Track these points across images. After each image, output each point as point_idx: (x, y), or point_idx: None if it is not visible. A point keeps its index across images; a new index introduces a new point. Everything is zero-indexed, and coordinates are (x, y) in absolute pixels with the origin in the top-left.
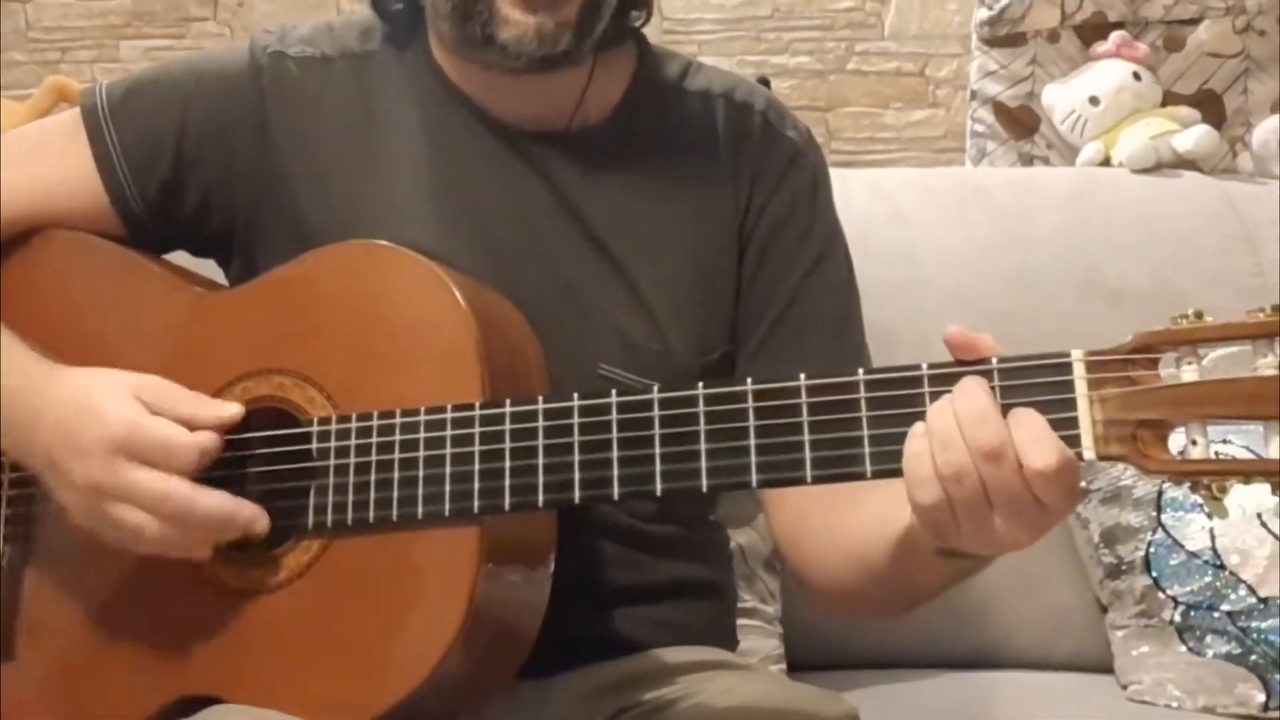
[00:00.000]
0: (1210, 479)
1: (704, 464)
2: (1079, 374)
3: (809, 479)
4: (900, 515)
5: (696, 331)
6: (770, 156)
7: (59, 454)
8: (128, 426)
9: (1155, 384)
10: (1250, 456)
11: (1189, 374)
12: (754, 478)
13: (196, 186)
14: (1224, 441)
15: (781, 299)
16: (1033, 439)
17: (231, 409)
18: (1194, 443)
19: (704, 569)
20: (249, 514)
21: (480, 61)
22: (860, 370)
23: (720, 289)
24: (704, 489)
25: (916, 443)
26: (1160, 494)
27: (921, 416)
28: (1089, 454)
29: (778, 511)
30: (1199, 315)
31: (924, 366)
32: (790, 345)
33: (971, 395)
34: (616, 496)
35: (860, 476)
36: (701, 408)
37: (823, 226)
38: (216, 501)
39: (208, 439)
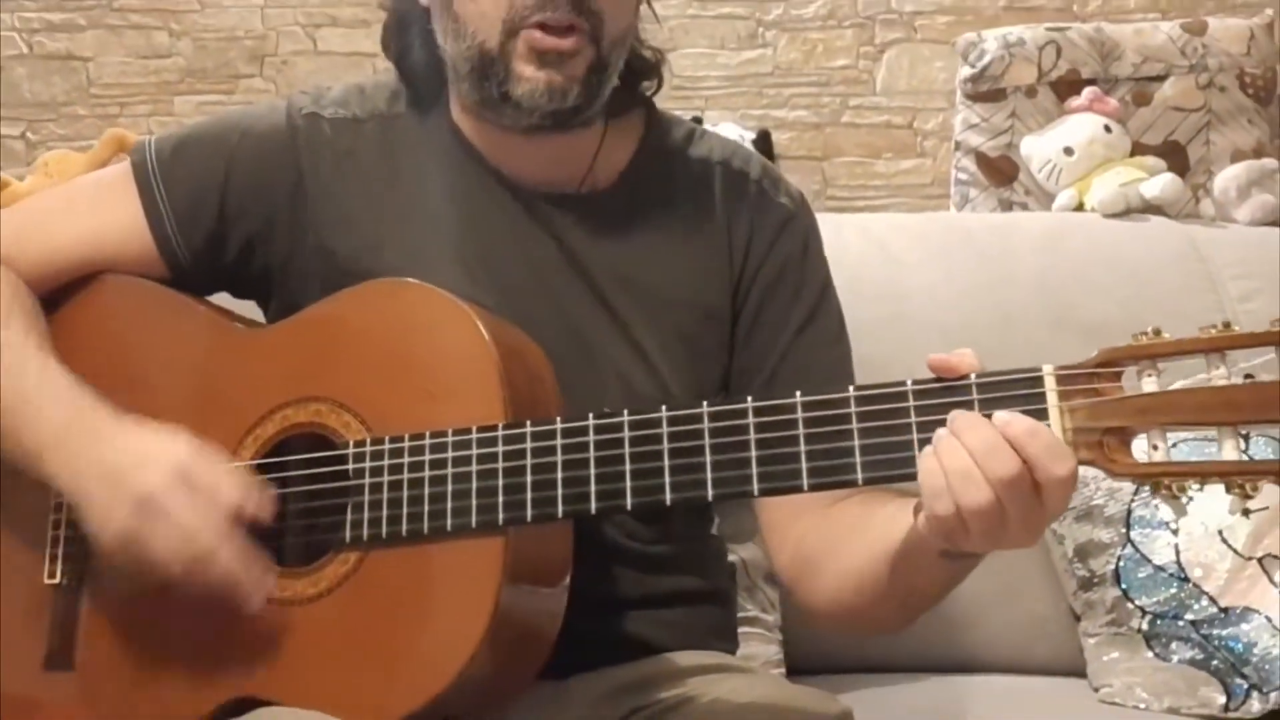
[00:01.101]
0: (1170, 480)
1: (709, 475)
2: (1050, 386)
3: (805, 487)
4: (899, 526)
5: (692, 379)
6: (764, 222)
7: (101, 494)
8: (183, 459)
9: (1119, 395)
10: None
11: (1149, 385)
12: (755, 487)
13: (238, 236)
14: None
15: (775, 354)
16: (1050, 451)
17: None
18: (1155, 448)
19: (705, 580)
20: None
21: (497, 121)
22: (850, 387)
23: (715, 342)
24: (709, 498)
25: (937, 480)
26: (1129, 512)
27: (908, 429)
28: None
29: (780, 551)
30: (1157, 332)
31: (909, 383)
32: (783, 396)
33: (977, 430)
34: (630, 507)
35: (853, 483)
36: (706, 424)
37: (813, 285)
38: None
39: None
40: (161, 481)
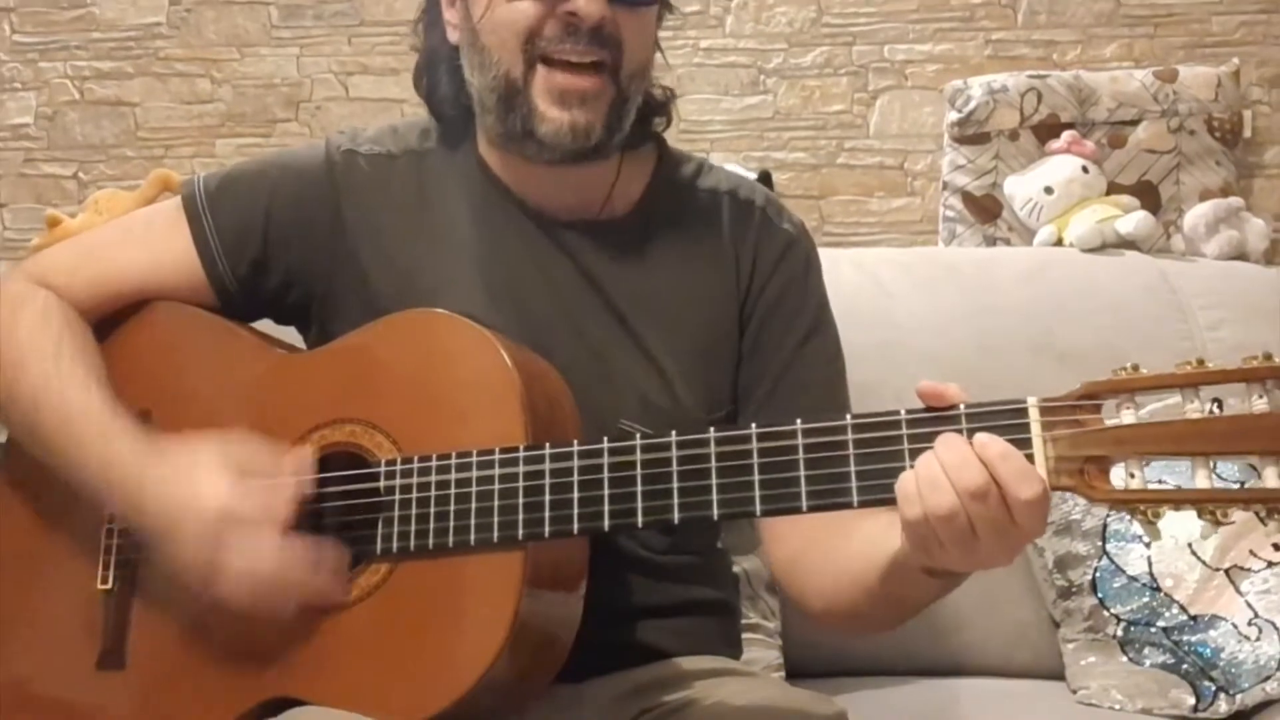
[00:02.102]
0: (1146, 506)
1: (715, 496)
2: (1034, 417)
3: (804, 508)
4: (890, 541)
5: (703, 391)
6: (768, 246)
7: (165, 539)
8: (223, 502)
9: (1099, 426)
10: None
11: (1128, 417)
12: (758, 508)
13: (280, 265)
14: (1159, 482)
15: (777, 367)
16: (1019, 473)
17: (304, 452)
18: (1132, 476)
19: (713, 590)
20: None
21: (521, 153)
22: (848, 416)
23: (723, 356)
24: (715, 518)
25: (909, 485)
26: (1105, 527)
27: (900, 455)
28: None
29: (777, 548)
30: (1135, 368)
31: (902, 412)
32: (785, 405)
33: (953, 445)
34: (640, 525)
35: (848, 505)
36: (713, 449)
37: (813, 305)
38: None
39: (295, 487)
40: (213, 530)
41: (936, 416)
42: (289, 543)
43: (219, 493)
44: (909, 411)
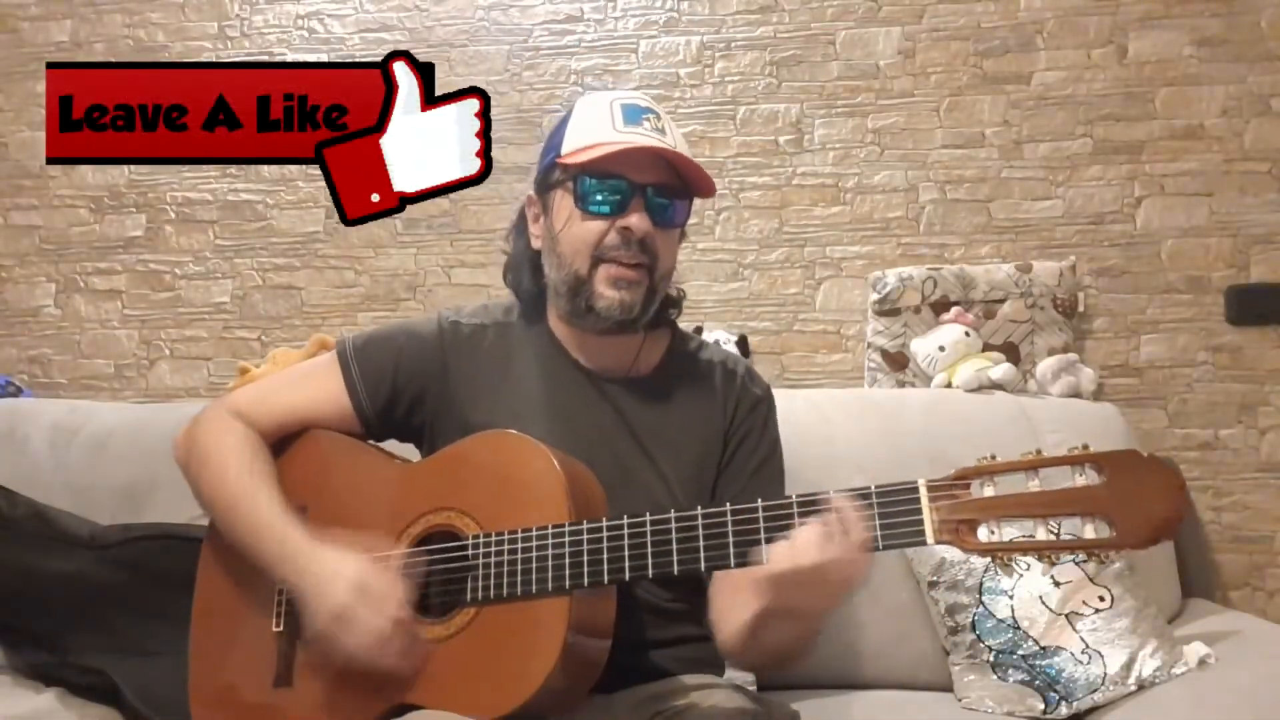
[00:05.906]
0: (1002, 553)
1: (702, 554)
2: (923, 493)
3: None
4: (751, 605)
5: (693, 494)
6: (743, 403)
7: (316, 598)
8: (359, 575)
9: (968, 498)
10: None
11: (989, 491)
12: (732, 562)
13: (404, 402)
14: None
15: (740, 484)
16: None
17: (408, 541)
18: (992, 532)
19: (703, 628)
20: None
21: (581, 325)
22: (794, 496)
23: (708, 471)
24: (703, 569)
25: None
26: (981, 584)
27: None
28: (930, 540)
29: (709, 608)
30: (993, 458)
31: (830, 491)
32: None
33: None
34: (650, 575)
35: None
36: (700, 522)
37: (768, 445)
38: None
39: (404, 568)
40: (347, 597)
41: (860, 493)
42: (400, 613)
43: (357, 568)
44: (837, 491)
